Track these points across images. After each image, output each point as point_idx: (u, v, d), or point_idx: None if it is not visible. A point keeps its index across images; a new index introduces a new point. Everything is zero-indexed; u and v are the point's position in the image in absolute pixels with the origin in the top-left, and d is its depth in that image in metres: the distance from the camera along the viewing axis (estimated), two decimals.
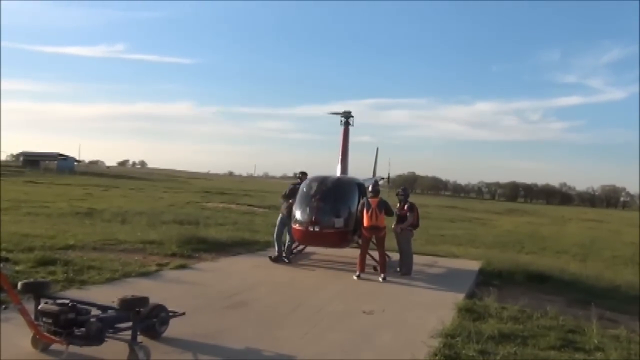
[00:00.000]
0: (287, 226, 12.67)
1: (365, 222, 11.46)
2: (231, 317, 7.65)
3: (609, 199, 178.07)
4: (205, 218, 23.20)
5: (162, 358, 5.80)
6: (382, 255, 11.59)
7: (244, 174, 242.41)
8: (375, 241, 11.64)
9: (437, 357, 6.09)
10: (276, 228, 12.99)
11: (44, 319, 5.51)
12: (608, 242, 28.26)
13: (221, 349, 6.22)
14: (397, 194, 12.85)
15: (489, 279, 11.86)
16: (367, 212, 11.43)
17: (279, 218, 13.07)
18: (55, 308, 5.46)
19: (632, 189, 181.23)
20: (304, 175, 13.54)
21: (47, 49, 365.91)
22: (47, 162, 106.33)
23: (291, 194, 12.81)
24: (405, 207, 12.27)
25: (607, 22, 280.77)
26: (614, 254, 21.88)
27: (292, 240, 12.77)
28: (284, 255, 12.77)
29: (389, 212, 11.64)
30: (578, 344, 7.24)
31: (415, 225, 12.37)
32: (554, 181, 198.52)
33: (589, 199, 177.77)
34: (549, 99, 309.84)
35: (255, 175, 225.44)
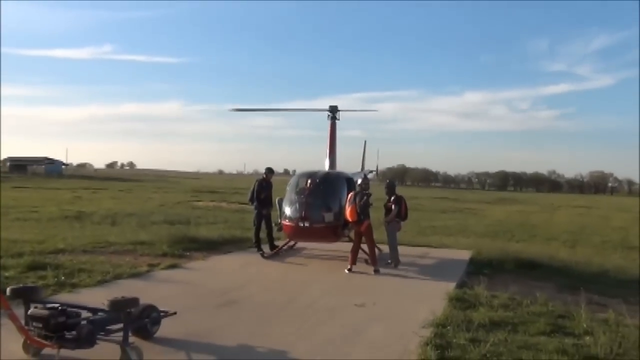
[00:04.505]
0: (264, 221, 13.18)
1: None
2: (223, 315, 7.67)
3: (597, 185, 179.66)
4: (196, 217, 23.15)
5: (154, 358, 5.80)
6: (372, 248, 11.64)
7: (234, 172, 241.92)
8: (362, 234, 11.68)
9: (428, 347, 6.13)
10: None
11: (34, 324, 5.49)
12: (597, 228, 28.52)
13: (214, 347, 6.23)
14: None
15: (479, 268, 11.94)
16: (347, 207, 11.51)
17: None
18: (45, 312, 5.44)
19: (620, 174, 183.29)
20: (270, 172, 13.63)
21: (33, 52, 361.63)
22: (34, 166, 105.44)
23: (259, 191, 13.15)
24: (392, 199, 12.35)
25: (594, 9, 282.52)
26: (603, 239, 22.07)
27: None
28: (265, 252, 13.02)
29: (359, 204, 11.44)
30: (567, 328, 7.33)
31: (403, 217, 12.45)
32: (543, 169, 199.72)
33: (578, 186, 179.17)
34: (537, 88, 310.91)
35: (245, 172, 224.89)
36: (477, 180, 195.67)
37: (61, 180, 74.83)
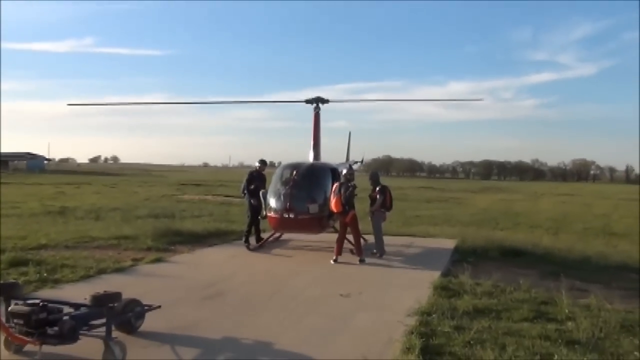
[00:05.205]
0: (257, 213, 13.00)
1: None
2: (208, 307, 7.64)
3: (579, 173, 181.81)
4: (181, 211, 23.01)
5: (139, 352, 5.76)
6: (357, 238, 11.67)
7: (219, 164, 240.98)
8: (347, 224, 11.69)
9: (413, 335, 6.16)
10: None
11: (15, 321, 5.42)
12: (579, 215, 28.86)
13: (199, 340, 6.21)
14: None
15: (464, 256, 12.02)
16: (332, 198, 11.52)
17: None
18: (26, 309, 5.37)
19: (602, 162, 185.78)
20: (263, 164, 13.58)
21: (13, 45, 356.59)
22: (16, 162, 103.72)
23: (249, 181, 13.10)
24: (376, 190, 12.37)
25: None
26: (585, 226, 22.35)
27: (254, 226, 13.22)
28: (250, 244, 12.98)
29: (344, 195, 11.45)
30: (550, 314, 7.43)
31: (388, 207, 12.48)
32: (527, 158, 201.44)
33: (561, 174, 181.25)
34: (521, 77, 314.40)
35: (231, 165, 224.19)
36: (461, 169, 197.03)
37: (43, 176, 73.81)
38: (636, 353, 5.92)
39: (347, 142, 20.75)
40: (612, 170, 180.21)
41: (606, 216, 28.51)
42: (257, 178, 13.27)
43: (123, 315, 6.06)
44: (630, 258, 12.62)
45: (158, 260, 11.04)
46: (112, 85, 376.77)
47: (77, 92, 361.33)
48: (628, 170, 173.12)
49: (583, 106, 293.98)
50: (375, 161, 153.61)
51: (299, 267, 10.97)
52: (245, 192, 13.22)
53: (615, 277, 10.29)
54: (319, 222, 11.87)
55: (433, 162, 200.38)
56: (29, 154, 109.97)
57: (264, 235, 13.59)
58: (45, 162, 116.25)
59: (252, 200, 13.03)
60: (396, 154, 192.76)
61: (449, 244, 13.95)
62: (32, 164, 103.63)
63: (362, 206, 12.94)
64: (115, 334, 5.74)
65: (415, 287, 8.90)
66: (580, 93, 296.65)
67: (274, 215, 11.78)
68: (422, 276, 9.83)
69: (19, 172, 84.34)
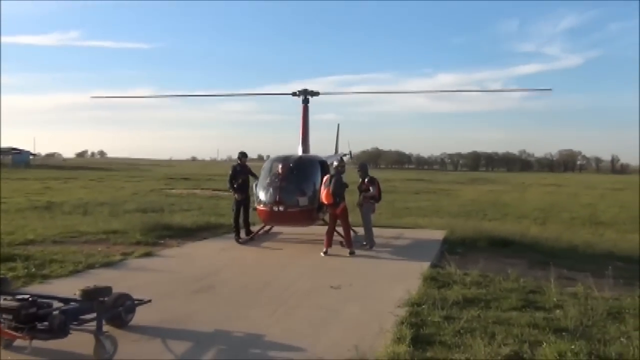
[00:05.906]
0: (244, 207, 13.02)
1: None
2: (199, 301, 7.63)
3: (566, 163, 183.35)
4: (170, 205, 22.89)
5: (130, 346, 5.75)
6: (347, 230, 11.70)
7: (207, 158, 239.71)
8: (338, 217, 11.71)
9: (403, 326, 6.21)
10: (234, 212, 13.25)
11: (4, 316, 5.37)
12: (566, 205, 29.12)
13: (190, 333, 6.20)
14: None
15: (453, 247, 12.11)
16: (323, 190, 11.52)
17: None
18: (15, 304, 5.33)
19: (588, 152, 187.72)
20: (243, 156, 13.51)
21: None
22: (0, 157, 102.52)
23: (234, 176, 13.08)
24: (366, 181, 12.38)
25: None
26: (572, 216, 22.58)
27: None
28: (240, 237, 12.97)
29: (335, 187, 11.48)
30: (538, 303, 7.52)
31: (377, 198, 12.51)
32: (514, 149, 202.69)
33: (548, 165, 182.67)
34: (508, 68, 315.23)
35: (219, 159, 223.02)
36: (449, 161, 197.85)
37: (29, 171, 73.06)
38: (623, 339, 6.00)
39: (335, 134, 20.74)
40: (598, 160, 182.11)
41: (592, 206, 28.81)
42: (240, 172, 13.20)
43: (113, 309, 6.03)
44: (616, 247, 12.79)
45: (147, 254, 11.00)
46: (98, 78, 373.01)
47: (63, 85, 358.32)
48: (613, 161, 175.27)
49: (570, 97, 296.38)
50: (364, 153, 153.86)
51: (289, 260, 10.98)
52: (231, 187, 13.16)
53: (601, 266, 10.40)
54: (309, 214, 11.88)
55: (421, 154, 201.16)
56: (13, 148, 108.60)
57: (254, 229, 13.57)
58: (31, 157, 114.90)
59: (237, 195, 12.98)
60: (384, 146, 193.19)
61: (438, 235, 14.04)
62: (18, 159, 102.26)
63: (351, 198, 12.95)
64: (106, 328, 5.72)
65: (405, 278, 8.94)
66: (567, 84, 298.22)
67: (264, 208, 11.77)
68: (412, 267, 9.88)
69: (4, 168, 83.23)
